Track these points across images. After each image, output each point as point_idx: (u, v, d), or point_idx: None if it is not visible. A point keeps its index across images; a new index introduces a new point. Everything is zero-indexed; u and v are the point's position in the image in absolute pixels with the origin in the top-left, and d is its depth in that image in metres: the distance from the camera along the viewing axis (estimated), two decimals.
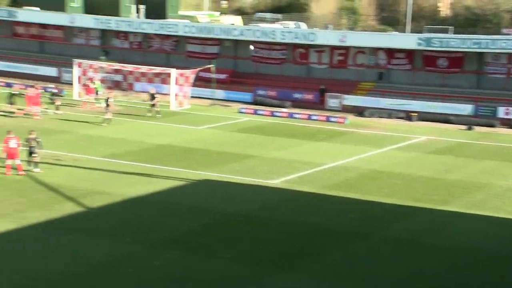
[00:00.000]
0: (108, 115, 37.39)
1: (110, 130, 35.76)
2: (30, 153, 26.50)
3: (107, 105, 37.66)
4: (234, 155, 31.39)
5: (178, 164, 29.04)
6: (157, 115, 40.17)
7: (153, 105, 40.72)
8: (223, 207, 23.10)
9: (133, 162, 28.98)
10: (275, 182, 26.78)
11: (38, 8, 61.55)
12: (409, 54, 46.69)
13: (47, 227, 20.22)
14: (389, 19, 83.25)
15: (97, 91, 42.89)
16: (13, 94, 39.22)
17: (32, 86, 42.76)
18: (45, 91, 44.37)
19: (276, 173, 28.08)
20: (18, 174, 25.64)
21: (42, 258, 17.91)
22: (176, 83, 44.30)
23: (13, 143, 25.72)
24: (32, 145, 26.54)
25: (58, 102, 40.19)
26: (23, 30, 57.90)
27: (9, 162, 25.64)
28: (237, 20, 79.63)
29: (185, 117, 41.52)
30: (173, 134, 35.75)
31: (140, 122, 38.83)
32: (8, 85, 47.61)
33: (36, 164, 26.51)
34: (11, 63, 55.06)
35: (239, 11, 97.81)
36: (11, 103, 38.74)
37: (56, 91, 42.06)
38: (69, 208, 22.20)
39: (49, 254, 18.20)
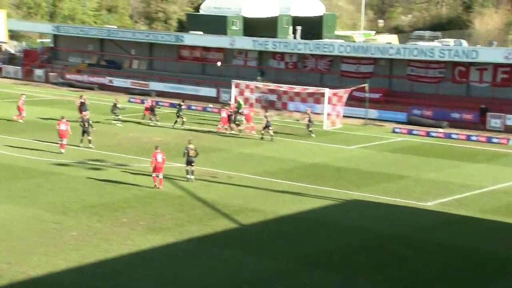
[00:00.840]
0: (269, 131, 38.59)
1: (263, 148, 36.54)
2: (188, 162, 28.13)
3: (266, 127, 38.49)
4: (386, 175, 30.93)
5: (330, 183, 29.10)
6: (311, 135, 40.44)
7: (308, 125, 41.03)
8: (374, 227, 22.82)
9: (285, 180, 29.42)
10: (430, 204, 26.08)
11: (201, 32, 64.63)
12: None
13: (202, 242, 21.01)
14: None
15: (238, 110, 42.09)
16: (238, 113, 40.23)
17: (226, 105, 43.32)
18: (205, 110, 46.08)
19: (431, 195, 27.34)
20: (158, 188, 26.86)
21: (196, 271, 18.60)
22: (329, 102, 44.42)
23: (159, 157, 27.06)
24: (191, 154, 28.12)
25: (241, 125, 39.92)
26: (188, 53, 61.03)
27: (154, 174, 27.10)
28: (393, 38, 78.49)
29: (337, 136, 41.59)
30: (325, 153, 35.91)
31: (293, 141, 39.36)
32: (175, 105, 50.14)
33: (193, 172, 28.19)
34: (176, 85, 58.14)
35: (396, 30, 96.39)
36: (238, 123, 39.64)
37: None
38: (223, 224, 22.89)
39: (202, 268, 18.86)
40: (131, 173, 29.57)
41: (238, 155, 34.70)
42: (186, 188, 27.55)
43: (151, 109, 42.90)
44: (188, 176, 28.64)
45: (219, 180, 29.08)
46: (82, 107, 41.26)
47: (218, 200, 25.78)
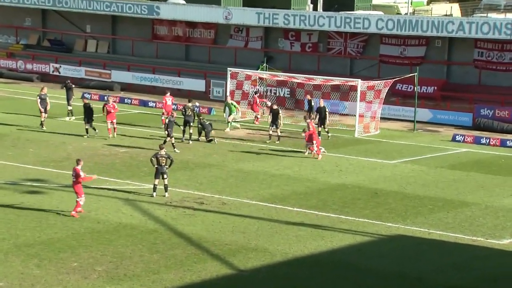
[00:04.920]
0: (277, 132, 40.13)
1: (271, 163, 36.55)
2: (158, 174, 29.92)
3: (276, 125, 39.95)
4: (444, 201, 30.92)
5: (363, 212, 29.07)
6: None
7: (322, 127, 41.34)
8: (428, 276, 22.78)
9: (301, 208, 29.38)
10: (506, 242, 26.10)
11: (183, 1, 64.50)
12: None
13: None
14: None
15: (230, 112, 43.80)
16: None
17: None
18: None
19: (508, 230, 27.33)
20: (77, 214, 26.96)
21: None
22: (362, 99, 44.49)
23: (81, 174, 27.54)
24: (162, 163, 29.77)
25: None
26: (165, 31, 61.12)
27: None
28: (454, 9, 78.55)
29: (373, 146, 41.56)
30: (356, 170, 35.88)
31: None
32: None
33: (166, 187, 30.16)
34: (149, 75, 58.06)
35: None
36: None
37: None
38: (213, 269, 22.86)
39: None
40: (86, 194, 29.48)
41: (235, 173, 34.67)
42: (162, 219, 27.51)
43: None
44: (154, 194, 29.70)
45: (208, 208, 29.07)
46: (42, 103, 42.19)
47: (206, 236, 25.74)
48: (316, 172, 35.29)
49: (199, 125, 40.75)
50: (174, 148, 37.41)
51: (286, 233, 26.31)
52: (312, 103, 44.17)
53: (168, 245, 24.79)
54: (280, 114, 41.06)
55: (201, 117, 41.29)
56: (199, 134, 40.72)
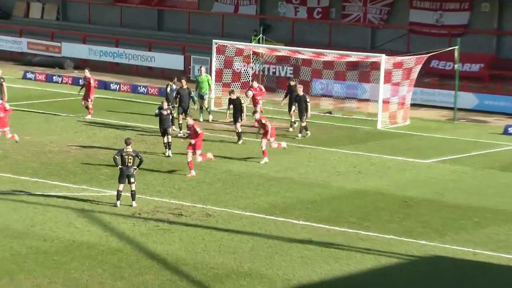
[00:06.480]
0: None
1: (268, 163, 36.57)
2: (123, 177, 29.94)
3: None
4: (493, 212, 30.97)
5: (389, 226, 29.10)
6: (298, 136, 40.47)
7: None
8: None
9: (308, 221, 29.39)
10: None
11: None
12: None
13: None
14: None
15: (201, 92, 43.88)
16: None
17: None
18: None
19: None
20: None
21: None
22: (387, 80, 44.49)
23: None
24: (129, 164, 29.84)
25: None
26: None
27: None
28: None
29: (401, 141, 41.71)
30: (379, 172, 36.04)
31: (322, 150, 39.53)
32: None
33: (133, 195, 30.16)
34: (110, 48, 57.98)
35: None
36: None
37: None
38: None
39: None
40: (29, 203, 29.46)
41: (222, 176, 34.77)
42: (128, 235, 27.49)
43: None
44: (118, 203, 29.81)
45: (188, 221, 29.06)
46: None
47: (186, 257, 25.70)
48: (328, 174, 35.32)
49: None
50: (167, 149, 37.17)
51: (289, 254, 26.22)
52: (298, 90, 42.80)
53: (136, 269, 24.68)
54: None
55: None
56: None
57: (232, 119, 40.92)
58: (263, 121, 36.63)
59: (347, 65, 47.18)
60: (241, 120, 40.24)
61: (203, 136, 34.71)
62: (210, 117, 43.92)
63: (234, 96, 40.90)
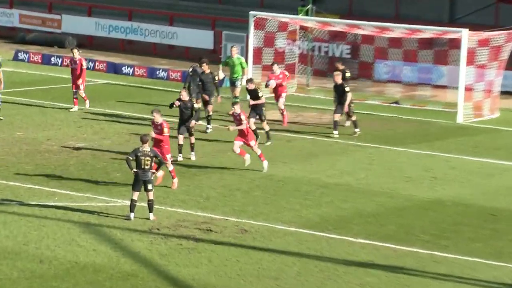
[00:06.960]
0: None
1: (319, 166, 36.75)
2: (138, 183, 30.23)
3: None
4: None
5: (472, 246, 29.02)
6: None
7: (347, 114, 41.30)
8: None
9: (369, 239, 29.38)
10: None
11: None
12: None
13: None
14: None
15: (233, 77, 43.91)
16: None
17: None
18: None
19: None
20: None
21: None
22: (470, 62, 44.37)
23: None
24: (145, 166, 30.05)
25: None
26: None
27: None
28: None
29: (489, 138, 41.94)
30: (460, 178, 36.15)
31: (388, 149, 39.85)
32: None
33: (151, 206, 30.43)
34: (121, 22, 58.38)
35: None
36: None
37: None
38: None
39: None
40: (21, 216, 29.67)
41: (261, 182, 34.96)
42: (144, 255, 27.58)
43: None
44: (132, 215, 29.88)
45: (218, 238, 29.14)
46: None
47: (216, 283, 25.75)
48: (395, 180, 35.43)
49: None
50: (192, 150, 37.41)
51: (346, 280, 26.19)
52: (335, 77, 42.34)
53: None
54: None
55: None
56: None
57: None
58: (242, 117, 35.88)
59: (419, 42, 47.15)
60: (264, 118, 40.02)
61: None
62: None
63: (252, 86, 40.23)
